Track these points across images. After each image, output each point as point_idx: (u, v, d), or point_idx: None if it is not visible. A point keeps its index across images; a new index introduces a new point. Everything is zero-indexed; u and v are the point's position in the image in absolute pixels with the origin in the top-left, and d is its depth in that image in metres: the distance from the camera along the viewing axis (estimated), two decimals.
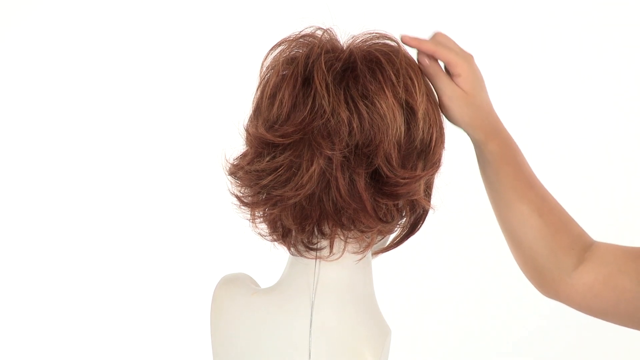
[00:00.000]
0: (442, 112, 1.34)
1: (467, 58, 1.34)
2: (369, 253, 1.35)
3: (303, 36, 1.31)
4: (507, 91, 3.04)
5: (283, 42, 1.32)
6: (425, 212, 1.34)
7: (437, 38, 1.34)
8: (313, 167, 1.24)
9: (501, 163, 1.36)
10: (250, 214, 1.33)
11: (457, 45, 1.35)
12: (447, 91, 1.32)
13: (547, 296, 1.41)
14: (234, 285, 1.40)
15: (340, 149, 1.24)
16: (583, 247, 1.38)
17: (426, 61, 1.31)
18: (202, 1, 3.15)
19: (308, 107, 1.24)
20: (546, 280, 1.39)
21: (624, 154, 3.01)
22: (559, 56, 3.03)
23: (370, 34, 1.32)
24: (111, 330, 3.15)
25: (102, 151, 3.16)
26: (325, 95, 1.24)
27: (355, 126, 1.24)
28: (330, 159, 1.24)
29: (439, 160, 1.32)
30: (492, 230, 3.05)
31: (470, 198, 3.01)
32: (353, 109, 1.24)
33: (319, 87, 1.24)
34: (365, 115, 1.24)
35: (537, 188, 1.38)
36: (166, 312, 3.15)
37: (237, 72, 2.96)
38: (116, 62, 3.16)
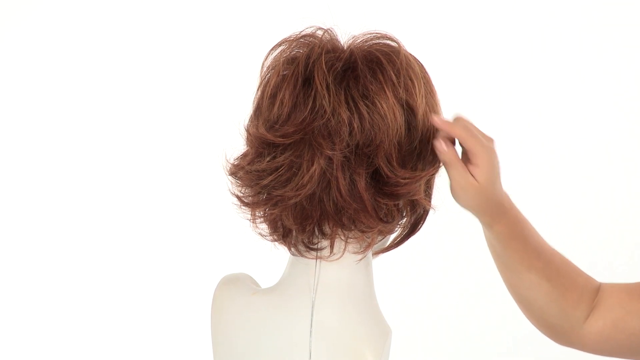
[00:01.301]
0: (451, 194, 1.34)
1: (489, 149, 1.33)
2: (370, 253, 1.35)
3: (303, 36, 1.31)
4: (508, 91, 3.04)
5: (283, 42, 1.32)
6: (425, 212, 1.34)
7: (462, 122, 1.32)
8: (313, 167, 1.24)
9: (508, 240, 1.38)
10: (251, 214, 1.33)
11: (480, 131, 1.34)
12: (461, 182, 1.32)
13: (560, 344, 1.44)
14: (234, 286, 1.40)
15: (340, 149, 1.24)
16: (590, 296, 1.41)
17: (444, 147, 1.30)
18: (202, 1, 3.15)
19: (309, 107, 1.25)
20: (558, 335, 1.43)
21: (624, 154, 3.01)
22: (559, 56, 3.03)
23: (370, 34, 1.32)
24: (111, 330, 3.15)
25: (103, 152, 3.16)
26: (326, 95, 1.24)
27: (355, 126, 1.24)
28: (330, 159, 1.24)
29: (439, 160, 1.32)
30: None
31: None
32: (354, 109, 1.24)
33: (319, 87, 1.24)
34: (366, 115, 1.24)
35: (544, 254, 1.40)
36: (166, 312, 3.15)
37: (238, 72, 2.96)
38: (116, 63, 3.16)
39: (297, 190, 1.25)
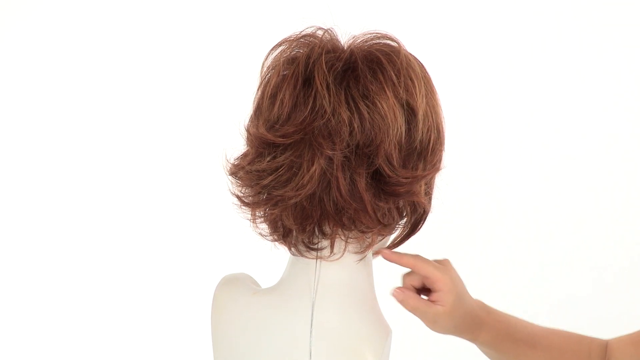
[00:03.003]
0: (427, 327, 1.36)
1: (446, 270, 1.35)
2: (370, 253, 1.35)
3: (304, 36, 1.31)
4: (508, 91, 3.04)
5: (284, 42, 1.32)
6: (425, 213, 1.34)
7: (410, 254, 1.35)
8: (314, 167, 1.24)
9: (497, 344, 1.42)
10: (251, 214, 1.33)
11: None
12: (430, 316, 1.36)
13: None
14: (235, 285, 1.40)
15: (341, 149, 1.24)
16: (600, 358, 1.41)
17: (401, 296, 1.33)
18: (202, 1, 3.15)
19: (309, 107, 1.25)
20: None
21: (624, 154, 3.01)
22: (558, 56, 3.03)
23: (370, 34, 1.32)
24: (111, 330, 3.15)
25: (103, 152, 3.16)
26: (326, 95, 1.24)
27: (356, 126, 1.24)
28: (331, 159, 1.24)
29: (439, 161, 1.32)
30: (492, 230, 3.06)
31: (471, 198, 3.01)
32: (354, 109, 1.24)
33: (319, 87, 1.24)
34: (366, 115, 1.24)
35: (539, 341, 1.43)
36: (167, 312, 3.15)
37: (238, 72, 2.96)
38: (117, 63, 3.16)
39: (297, 190, 1.25)
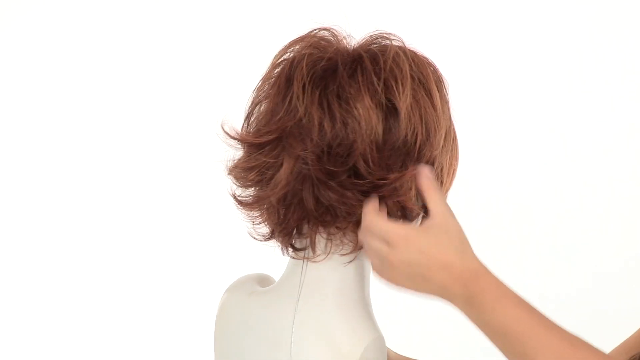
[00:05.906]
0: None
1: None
2: (364, 255, 1.33)
3: (303, 38, 1.31)
4: (506, 91, 3.04)
5: (289, 46, 1.33)
6: (416, 216, 1.31)
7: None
8: (285, 167, 1.25)
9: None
10: (246, 214, 1.34)
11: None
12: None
13: None
14: (237, 288, 1.41)
15: (312, 149, 1.24)
16: None
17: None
18: (202, 2, 3.15)
19: (284, 107, 1.25)
20: None
21: (624, 154, 3.00)
22: (559, 56, 3.02)
23: (369, 35, 1.32)
24: (112, 331, 3.15)
25: (103, 153, 3.17)
26: (300, 95, 1.25)
27: (326, 126, 1.24)
28: (304, 159, 1.24)
29: (431, 162, 1.29)
30: (492, 230, 3.04)
31: (469, 199, 3.00)
32: (326, 109, 1.24)
33: (296, 88, 1.25)
34: (338, 115, 1.24)
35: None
36: (167, 312, 3.16)
37: (239, 72, 2.97)
38: (116, 63, 3.16)
39: (272, 189, 1.26)
